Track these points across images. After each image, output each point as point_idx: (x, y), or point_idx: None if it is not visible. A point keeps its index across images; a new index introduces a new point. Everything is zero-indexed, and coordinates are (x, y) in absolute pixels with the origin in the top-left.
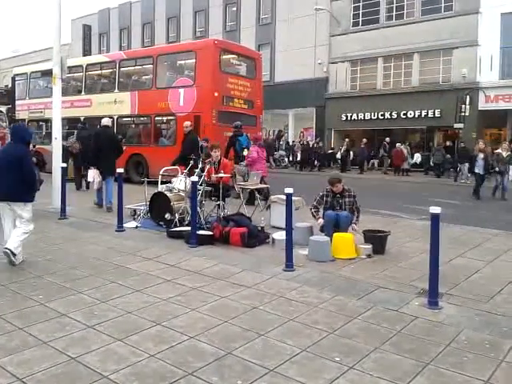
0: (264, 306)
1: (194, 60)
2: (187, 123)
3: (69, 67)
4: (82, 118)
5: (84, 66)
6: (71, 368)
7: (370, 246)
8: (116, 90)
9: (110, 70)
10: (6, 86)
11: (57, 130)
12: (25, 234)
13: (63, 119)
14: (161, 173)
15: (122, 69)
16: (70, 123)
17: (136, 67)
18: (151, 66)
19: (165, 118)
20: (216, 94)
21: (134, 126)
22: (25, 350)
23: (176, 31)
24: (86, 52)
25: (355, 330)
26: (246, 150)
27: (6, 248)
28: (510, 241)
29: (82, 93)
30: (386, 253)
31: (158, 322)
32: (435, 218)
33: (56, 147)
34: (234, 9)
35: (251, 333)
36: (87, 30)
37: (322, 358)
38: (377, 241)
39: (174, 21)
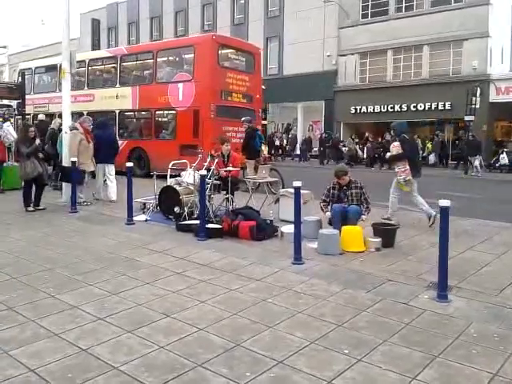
0: (273, 298)
1: (192, 55)
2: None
3: None
4: (85, 113)
5: (87, 62)
6: (82, 359)
7: (379, 240)
8: (118, 85)
9: (112, 65)
10: (14, 81)
11: (66, 125)
12: (115, 185)
13: None
14: (170, 166)
15: (123, 64)
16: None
17: (137, 62)
18: (151, 61)
19: (165, 113)
20: (215, 89)
21: (135, 120)
22: (36, 341)
23: (184, 25)
24: (95, 46)
25: (364, 322)
26: (263, 145)
27: (112, 200)
28: None
29: (85, 88)
30: (395, 246)
31: (167, 314)
32: (445, 211)
33: (66, 141)
34: (242, 1)
35: (260, 325)
36: (96, 24)
37: (330, 350)
38: (386, 234)
39: (181, 14)
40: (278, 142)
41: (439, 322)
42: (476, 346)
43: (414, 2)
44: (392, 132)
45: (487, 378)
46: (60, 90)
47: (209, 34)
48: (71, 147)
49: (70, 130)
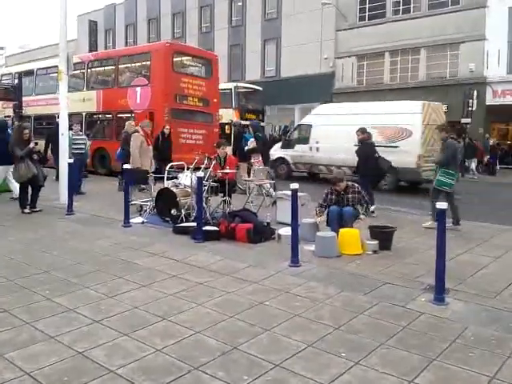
0: (270, 301)
1: (149, 61)
2: None
3: (46, 68)
4: (57, 116)
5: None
6: (78, 362)
7: (376, 242)
8: (84, 89)
9: (80, 71)
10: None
11: (63, 126)
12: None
13: (39, 117)
14: (167, 168)
15: (89, 69)
16: (45, 120)
17: (101, 68)
18: (114, 66)
19: (124, 115)
20: (168, 93)
21: (99, 122)
22: (32, 344)
23: (182, 27)
24: (93, 48)
25: (361, 325)
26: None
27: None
28: None
29: (57, 92)
30: (393, 249)
31: (164, 316)
32: (441, 214)
33: (62, 143)
34: (240, 4)
35: (257, 328)
36: (93, 25)
37: (327, 353)
38: (383, 237)
39: (179, 16)
40: None
41: (436, 325)
42: (473, 349)
43: (411, 5)
44: (250, 129)
45: (485, 382)
46: (36, 94)
47: (163, 41)
48: (133, 149)
49: (132, 133)
